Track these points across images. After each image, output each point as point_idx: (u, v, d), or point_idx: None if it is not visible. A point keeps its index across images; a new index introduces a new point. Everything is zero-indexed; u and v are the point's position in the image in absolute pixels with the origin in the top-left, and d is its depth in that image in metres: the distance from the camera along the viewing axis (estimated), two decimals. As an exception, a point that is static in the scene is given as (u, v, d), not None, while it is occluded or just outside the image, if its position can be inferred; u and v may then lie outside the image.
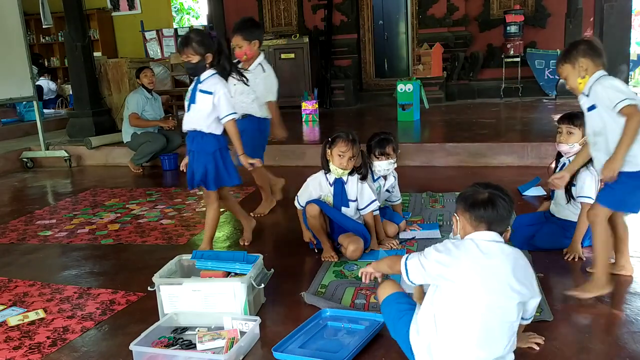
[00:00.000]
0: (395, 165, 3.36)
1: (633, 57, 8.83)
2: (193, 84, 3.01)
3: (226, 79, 3.03)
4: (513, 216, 3.02)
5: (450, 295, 1.75)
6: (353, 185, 3.02)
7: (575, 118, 2.85)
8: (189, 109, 2.99)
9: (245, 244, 3.32)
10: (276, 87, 3.77)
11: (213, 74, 2.95)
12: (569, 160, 2.87)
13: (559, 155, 3.03)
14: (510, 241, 3.01)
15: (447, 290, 1.76)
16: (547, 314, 2.21)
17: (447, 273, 1.75)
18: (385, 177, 3.38)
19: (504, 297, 1.72)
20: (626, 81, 5.02)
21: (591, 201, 2.67)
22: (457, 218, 1.87)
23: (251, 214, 3.76)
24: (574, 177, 2.79)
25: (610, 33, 4.84)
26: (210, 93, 2.90)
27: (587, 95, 2.32)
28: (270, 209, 4.02)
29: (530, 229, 2.98)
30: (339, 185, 3.01)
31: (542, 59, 9.16)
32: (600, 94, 2.24)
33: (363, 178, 3.03)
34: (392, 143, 3.28)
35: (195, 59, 2.90)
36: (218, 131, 2.98)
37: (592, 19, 8.91)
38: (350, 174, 3.02)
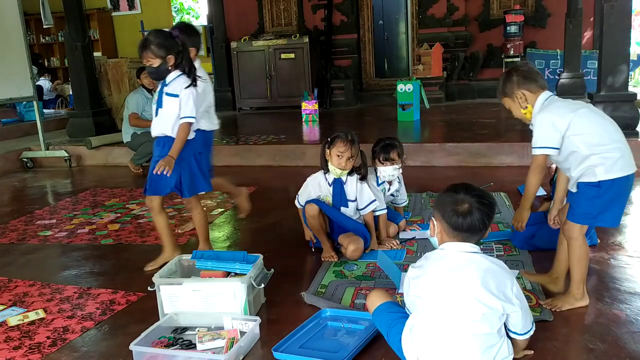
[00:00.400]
0: (401, 171, 3.33)
1: (633, 57, 8.83)
2: (159, 87, 2.89)
3: (194, 81, 2.86)
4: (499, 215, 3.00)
5: (420, 309, 1.78)
6: (352, 186, 3.02)
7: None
8: (157, 114, 2.87)
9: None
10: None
11: (179, 76, 2.83)
12: None
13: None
14: (509, 240, 3.03)
15: (418, 305, 1.79)
16: (547, 314, 2.21)
17: (416, 290, 1.78)
18: (390, 182, 3.36)
19: (468, 310, 1.69)
20: (626, 81, 5.01)
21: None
22: (434, 223, 1.85)
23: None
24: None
25: (610, 33, 4.82)
26: (176, 96, 2.79)
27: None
28: (247, 200, 3.79)
29: (531, 229, 2.97)
30: (337, 186, 3.01)
31: (542, 59, 9.16)
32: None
33: (362, 178, 3.02)
34: (397, 148, 3.27)
35: (156, 62, 2.81)
36: (190, 135, 2.85)
37: (592, 19, 8.92)
38: (350, 174, 3.01)
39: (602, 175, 2.13)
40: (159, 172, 2.74)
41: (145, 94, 5.72)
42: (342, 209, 3.01)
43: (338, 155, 2.92)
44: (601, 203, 2.15)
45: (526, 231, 2.89)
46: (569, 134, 2.18)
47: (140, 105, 5.65)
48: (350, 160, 2.94)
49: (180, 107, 2.79)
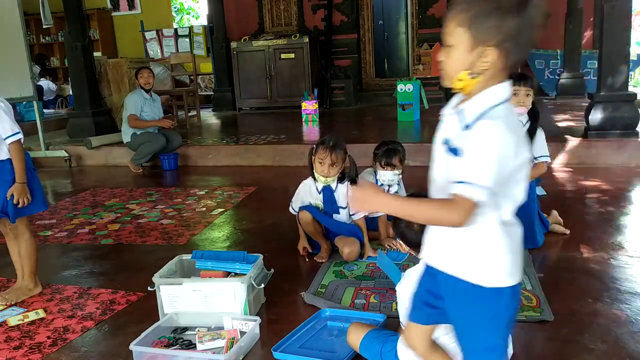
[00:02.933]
0: (400, 176, 3.22)
1: (633, 57, 8.83)
2: None
3: None
4: None
5: None
6: (342, 192, 2.96)
7: (530, 78, 2.91)
8: None
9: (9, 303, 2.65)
10: None
11: None
12: (521, 121, 2.86)
13: None
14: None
15: None
16: (547, 314, 2.21)
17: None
18: (389, 185, 3.28)
19: None
20: (626, 81, 5.01)
21: (548, 159, 2.92)
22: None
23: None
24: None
25: (610, 33, 4.82)
26: None
27: None
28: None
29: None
30: (327, 192, 2.98)
31: (542, 59, 9.17)
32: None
33: (353, 182, 2.95)
34: (400, 154, 3.15)
35: None
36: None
37: (592, 19, 8.92)
38: (341, 180, 2.97)
39: None
40: (19, 205, 2.53)
41: (143, 95, 5.72)
42: (335, 215, 2.99)
43: (320, 162, 2.87)
44: None
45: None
46: None
47: (138, 106, 5.66)
48: (334, 167, 2.86)
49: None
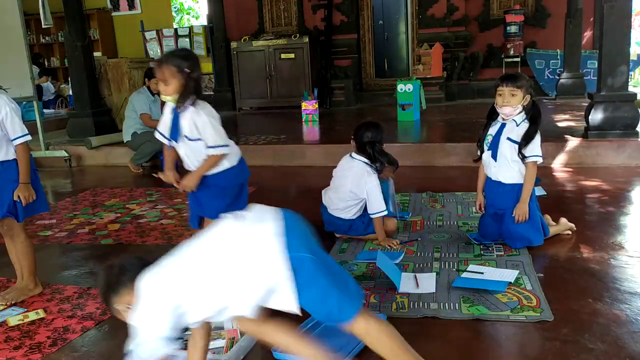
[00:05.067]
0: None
1: (633, 57, 8.84)
2: None
3: None
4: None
5: None
6: (189, 118, 2.58)
7: (517, 79, 2.91)
8: None
9: (9, 303, 2.66)
10: None
11: None
12: (514, 120, 2.92)
13: (491, 116, 3.03)
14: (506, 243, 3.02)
15: None
16: (547, 314, 2.21)
17: None
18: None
19: None
20: (626, 81, 5.01)
21: (538, 159, 2.89)
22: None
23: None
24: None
25: (610, 33, 4.82)
26: None
27: None
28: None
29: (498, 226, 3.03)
30: (174, 115, 2.62)
31: (542, 59, 9.17)
32: None
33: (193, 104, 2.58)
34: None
35: None
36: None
37: (592, 19, 8.92)
38: (192, 104, 2.57)
39: None
40: (23, 204, 2.58)
41: (148, 95, 5.71)
42: (183, 146, 2.65)
43: (155, 82, 2.77)
44: None
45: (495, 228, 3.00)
46: None
47: (147, 106, 5.65)
48: (165, 84, 2.53)
49: (8, 129, 2.54)
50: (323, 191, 3.33)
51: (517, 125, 2.92)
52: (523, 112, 2.92)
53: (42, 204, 2.77)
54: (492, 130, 3.01)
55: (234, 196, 2.76)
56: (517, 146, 2.88)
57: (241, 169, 2.81)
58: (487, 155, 3.02)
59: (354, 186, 3.11)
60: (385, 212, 3.12)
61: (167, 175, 2.76)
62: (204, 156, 2.65)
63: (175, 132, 2.63)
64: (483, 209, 3.10)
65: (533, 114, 2.91)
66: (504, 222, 2.96)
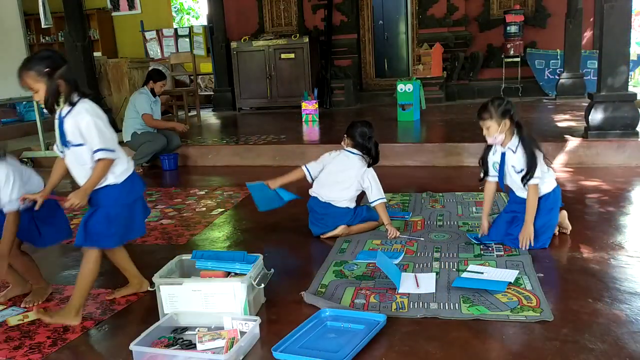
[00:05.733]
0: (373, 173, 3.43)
1: (633, 57, 8.83)
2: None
3: None
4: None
5: None
6: (73, 122, 2.32)
7: (484, 110, 2.90)
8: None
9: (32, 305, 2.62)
10: None
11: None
12: (510, 148, 2.93)
13: (488, 148, 3.05)
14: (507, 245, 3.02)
15: None
16: (547, 314, 2.21)
17: None
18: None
19: None
20: (626, 81, 5.01)
21: (538, 181, 2.87)
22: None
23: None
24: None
25: (610, 33, 4.81)
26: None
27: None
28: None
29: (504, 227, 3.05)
30: (59, 120, 2.38)
31: (542, 59, 9.17)
32: None
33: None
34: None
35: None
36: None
37: (592, 19, 8.92)
38: (72, 105, 2.35)
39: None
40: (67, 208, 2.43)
41: (150, 95, 5.71)
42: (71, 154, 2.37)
43: None
44: None
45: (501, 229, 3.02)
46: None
47: (149, 106, 5.65)
48: (35, 94, 2.41)
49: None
50: (317, 190, 3.37)
51: (514, 152, 2.92)
52: (515, 137, 2.92)
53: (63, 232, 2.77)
54: (496, 157, 3.02)
55: (125, 218, 2.42)
56: (519, 172, 2.90)
57: (129, 188, 2.43)
58: (493, 178, 3.09)
59: (359, 177, 3.31)
60: (385, 199, 3.34)
61: (35, 196, 2.44)
62: (90, 164, 2.32)
63: (63, 139, 2.35)
64: (486, 233, 3.07)
65: (524, 141, 2.89)
66: (516, 224, 2.97)
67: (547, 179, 2.98)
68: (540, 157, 2.89)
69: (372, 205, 3.33)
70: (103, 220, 2.36)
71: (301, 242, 3.31)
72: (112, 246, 2.46)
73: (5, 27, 5.88)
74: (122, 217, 2.42)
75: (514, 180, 2.97)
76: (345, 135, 3.41)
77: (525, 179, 2.87)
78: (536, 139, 2.96)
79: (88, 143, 2.30)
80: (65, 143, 2.35)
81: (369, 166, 3.34)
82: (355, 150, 3.35)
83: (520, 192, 2.99)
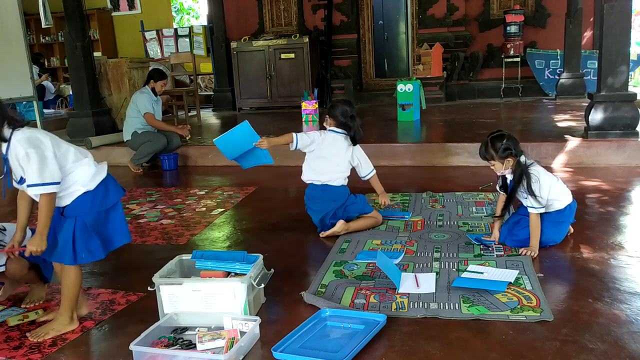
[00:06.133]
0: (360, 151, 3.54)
1: (633, 57, 8.83)
2: None
3: None
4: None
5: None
6: (15, 154, 2.18)
7: (485, 150, 2.90)
8: None
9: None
10: None
11: None
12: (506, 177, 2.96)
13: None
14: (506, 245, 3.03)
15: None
16: (547, 314, 2.21)
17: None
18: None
19: None
20: (626, 81, 5.01)
21: (534, 210, 2.84)
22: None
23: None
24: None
25: (610, 33, 4.81)
26: None
27: None
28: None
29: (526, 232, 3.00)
30: (4, 158, 2.25)
31: (542, 59, 9.17)
32: None
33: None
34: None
35: None
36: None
37: (592, 19, 8.92)
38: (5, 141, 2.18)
39: None
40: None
41: (151, 95, 5.71)
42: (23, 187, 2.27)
43: None
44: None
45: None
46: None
47: (150, 105, 5.65)
48: None
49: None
50: (312, 177, 3.45)
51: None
52: (515, 172, 2.90)
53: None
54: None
55: (103, 227, 2.32)
56: (525, 198, 2.89)
57: (102, 194, 2.31)
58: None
59: (348, 157, 3.46)
60: (375, 171, 3.56)
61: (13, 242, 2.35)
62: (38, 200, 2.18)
63: (16, 177, 2.26)
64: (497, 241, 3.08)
65: (513, 179, 2.89)
66: (521, 227, 2.98)
67: (559, 198, 2.95)
68: (537, 188, 2.83)
69: (365, 179, 3.55)
70: (80, 232, 2.25)
71: (301, 242, 3.31)
72: (99, 257, 2.32)
73: (5, 27, 5.88)
74: (100, 226, 2.30)
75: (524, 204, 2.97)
76: (327, 116, 3.49)
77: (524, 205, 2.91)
78: (530, 175, 2.85)
79: (26, 177, 2.15)
80: (20, 181, 2.25)
81: (354, 144, 3.45)
82: (339, 130, 3.43)
83: (525, 202, 2.94)
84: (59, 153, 2.23)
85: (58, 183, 2.18)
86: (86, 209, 2.27)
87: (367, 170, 3.52)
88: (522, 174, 2.85)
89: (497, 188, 3.09)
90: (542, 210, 2.87)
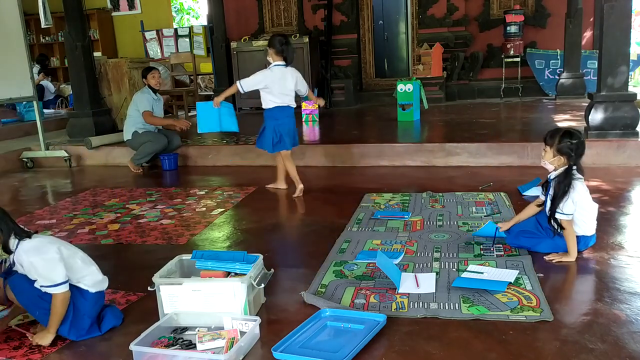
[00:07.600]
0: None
1: (633, 57, 8.82)
2: None
3: None
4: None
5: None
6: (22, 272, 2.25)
7: (550, 136, 2.86)
8: None
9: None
10: None
11: None
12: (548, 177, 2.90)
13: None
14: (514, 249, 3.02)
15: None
16: (547, 314, 2.21)
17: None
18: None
19: None
20: (626, 81, 5.01)
21: (566, 217, 2.75)
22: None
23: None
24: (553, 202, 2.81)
25: (610, 33, 4.81)
26: None
27: None
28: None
29: (529, 241, 2.95)
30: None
31: (542, 59, 9.17)
32: None
33: None
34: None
35: None
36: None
37: (592, 19, 8.92)
38: None
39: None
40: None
41: (151, 94, 5.71)
42: None
43: None
44: None
45: (525, 243, 2.96)
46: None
47: (150, 104, 5.65)
48: None
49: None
50: (276, 101, 4.53)
51: (550, 182, 2.87)
52: (560, 176, 2.82)
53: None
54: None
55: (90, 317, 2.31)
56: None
57: (94, 301, 2.33)
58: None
59: (294, 82, 4.36)
60: (308, 86, 4.50)
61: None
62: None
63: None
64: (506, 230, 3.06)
65: (559, 182, 2.80)
66: (525, 235, 2.96)
67: (580, 225, 2.84)
68: (570, 201, 2.76)
69: (305, 94, 4.53)
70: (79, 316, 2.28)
71: (301, 242, 3.31)
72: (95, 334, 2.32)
73: (5, 27, 5.88)
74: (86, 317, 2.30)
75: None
76: (267, 48, 4.29)
77: (551, 211, 2.81)
78: (575, 188, 2.77)
79: (37, 283, 2.19)
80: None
81: (288, 63, 4.26)
82: (281, 62, 4.24)
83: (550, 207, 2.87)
84: (67, 253, 2.26)
85: (65, 283, 2.20)
86: (87, 307, 2.29)
87: (305, 88, 4.45)
88: (569, 182, 2.76)
89: (539, 191, 3.04)
90: (571, 218, 2.77)
